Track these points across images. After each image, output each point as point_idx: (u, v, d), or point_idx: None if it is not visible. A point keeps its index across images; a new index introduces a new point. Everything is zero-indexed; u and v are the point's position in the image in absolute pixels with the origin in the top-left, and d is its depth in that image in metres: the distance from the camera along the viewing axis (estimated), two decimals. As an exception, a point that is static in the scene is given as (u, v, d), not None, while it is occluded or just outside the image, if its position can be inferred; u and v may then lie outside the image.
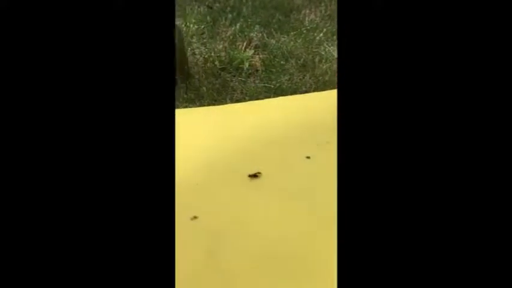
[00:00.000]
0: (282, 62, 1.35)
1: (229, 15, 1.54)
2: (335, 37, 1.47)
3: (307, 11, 1.62)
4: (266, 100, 1.16)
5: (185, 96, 1.17)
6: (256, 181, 0.81)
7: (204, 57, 1.35)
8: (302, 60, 1.36)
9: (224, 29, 1.49)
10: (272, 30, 1.50)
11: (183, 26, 1.44)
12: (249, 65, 1.34)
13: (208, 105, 1.14)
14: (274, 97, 1.17)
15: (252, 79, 1.29)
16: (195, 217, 0.71)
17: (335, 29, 1.52)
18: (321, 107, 1.03)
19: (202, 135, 0.98)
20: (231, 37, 1.46)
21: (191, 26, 1.48)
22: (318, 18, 1.59)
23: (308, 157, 0.84)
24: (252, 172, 0.81)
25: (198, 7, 1.59)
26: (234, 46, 1.41)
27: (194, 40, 1.43)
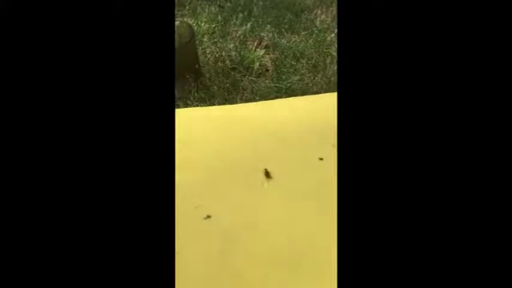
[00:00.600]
0: (292, 62, 1.35)
1: (240, 15, 1.54)
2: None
3: (319, 12, 1.61)
4: (277, 100, 1.15)
5: (196, 95, 1.17)
6: (268, 181, 0.80)
7: (215, 56, 1.35)
8: (313, 60, 1.36)
9: (235, 29, 1.49)
10: (283, 30, 1.49)
11: (194, 25, 1.44)
12: (260, 65, 1.33)
13: (219, 104, 1.14)
14: (285, 97, 1.17)
15: (262, 79, 1.29)
16: (208, 216, 0.71)
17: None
18: (333, 108, 1.02)
19: (214, 135, 0.98)
20: (242, 37, 1.46)
21: (202, 25, 1.48)
22: (329, 19, 1.59)
23: (321, 158, 0.84)
24: (265, 172, 0.81)
25: (209, 6, 1.59)
26: (244, 46, 1.41)
27: (205, 39, 1.43)
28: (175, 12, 1.54)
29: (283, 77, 1.28)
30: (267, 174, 0.79)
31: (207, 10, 1.56)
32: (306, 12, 1.61)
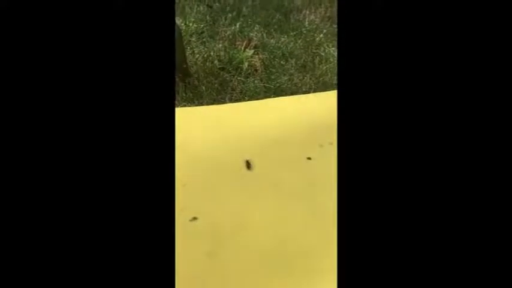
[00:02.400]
0: (281, 62, 1.34)
1: (229, 15, 1.54)
2: (335, 38, 1.47)
3: (307, 12, 1.61)
4: (266, 100, 1.15)
5: (184, 95, 1.16)
6: (255, 181, 0.80)
7: (203, 56, 1.34)
8: (302, 60, 1.36)
9: (224, 29, 1.48)
10: (272, 30, 1.49)
11: (182, 25, 1.43)
12: (249, 65, 1.33)
13: (207, 104, 1.13)
14: (274, 97, 1.17)
15: (251, 79, 1.28)
16: (195, 218, 0.70)
17: (335, 30, 1.51)
18: (322, 107, 1.02)
19: (201, 135, 0.97)
20: (231, 37, 1.45)
21: (191, 25, 1.47)
22: (317, 19, 1.59)
23: (309, 158, 0.84)
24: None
25: (198, 6, 1.58)
26: (233, 46, 1.41)
27: (194, 39, 1.42)
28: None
29: (272, 77, 1.28)
30: (248, 165, 0.79)
31: (195, 10, 1.55)
32: (294, 12, 1.61)
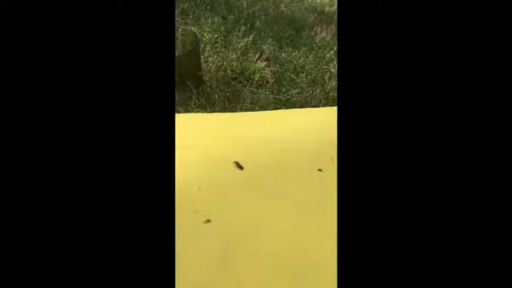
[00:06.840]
0: (292, 76, 1.37)
1: (243, 27, 1.57)
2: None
3: (319, 29, 1.65)
4: (277, 111, 1.17)
5: (197, 102, 1.19)
6: (266, 190, 0.81)
7: (216, 65, 1.37)
8: (312, 75, 1.39)
9: (237, 40, 1.52)
10: (284, 44, 1.53)
11: (197, 34, 1.46)
12: (260, 76, 1.36)
13: (219, 112, 1.15)
14: (284, 109, 1.19)
15: (262, 90, 1.31)
16: (208, 220, 0.72)
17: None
18: (334, 121, 1.04)
19: (213, 140, 0.98)
20: (243, 48, 1.48)
21: (205, 34, 1.50)
22: (328, 37, 1.63)
23: (320, 169, 0.85)
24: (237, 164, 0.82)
25: (213, 17, 1.62)
26: (246, 57, 1.44)
27: (208, 48, 1.45)
28: (179, 20, 1.56)
29: (283, 89, 1.30)
30: (239, 166, 0.80)
31: (210, 20, 1.59)
32: (306, 29, 1.65)
